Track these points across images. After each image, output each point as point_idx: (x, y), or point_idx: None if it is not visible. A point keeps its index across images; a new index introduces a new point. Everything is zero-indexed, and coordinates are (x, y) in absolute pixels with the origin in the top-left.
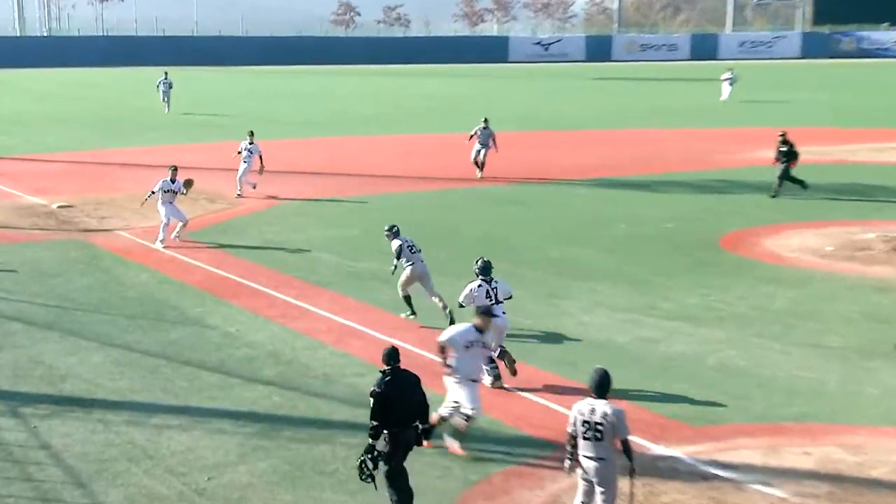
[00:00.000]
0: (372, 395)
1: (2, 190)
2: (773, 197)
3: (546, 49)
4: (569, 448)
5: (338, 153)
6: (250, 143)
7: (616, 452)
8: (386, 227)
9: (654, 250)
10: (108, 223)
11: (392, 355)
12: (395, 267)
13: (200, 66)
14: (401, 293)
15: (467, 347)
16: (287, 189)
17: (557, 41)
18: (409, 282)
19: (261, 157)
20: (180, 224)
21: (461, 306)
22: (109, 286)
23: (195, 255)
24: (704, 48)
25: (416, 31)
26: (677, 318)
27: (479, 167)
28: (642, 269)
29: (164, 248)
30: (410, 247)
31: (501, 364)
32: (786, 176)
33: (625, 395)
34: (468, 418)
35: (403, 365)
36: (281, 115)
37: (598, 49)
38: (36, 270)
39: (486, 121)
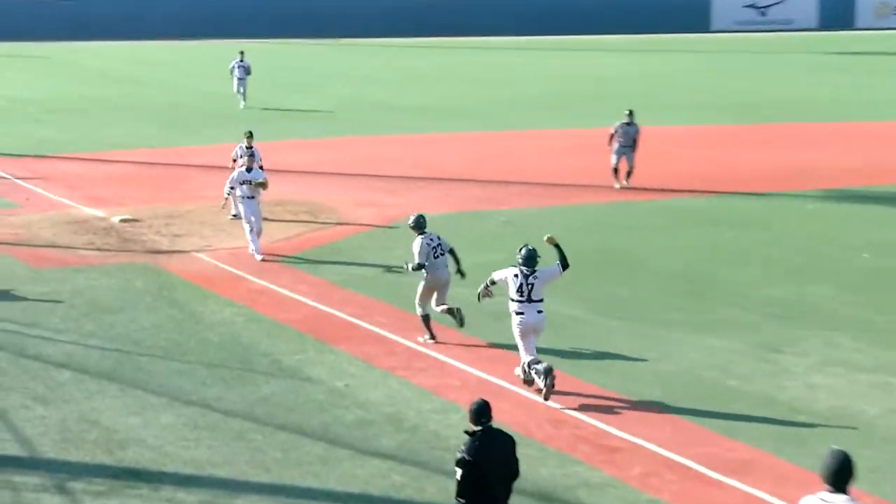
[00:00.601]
0: (459, 463)
1: (49, 198)
2: None
3: (763, 14)
4: None
5: (483, 153)
6: (248, 147)
7: None
8: (411, 219)
9: None
10: (182, 242)
11: (482, 411)
12: (407, 267)
13: (302, 39)
14: (419, 311)
15: None
16: (416, 199)
17: (778, 3)
18: (428, 294)
19: (261, 167)
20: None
21: (492, 283)
22: (184, 325)
23: (294, 286)
24: None
25: None
26: None
27: (616, 175)
28: None
29: (263, 259)
30: (435, 248)
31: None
32: None
33: (874, 488)
34: None
35: (580, 437)
36: (403, 102)
37: (836, 13)
38: (90, 303)
39: (630, 114)
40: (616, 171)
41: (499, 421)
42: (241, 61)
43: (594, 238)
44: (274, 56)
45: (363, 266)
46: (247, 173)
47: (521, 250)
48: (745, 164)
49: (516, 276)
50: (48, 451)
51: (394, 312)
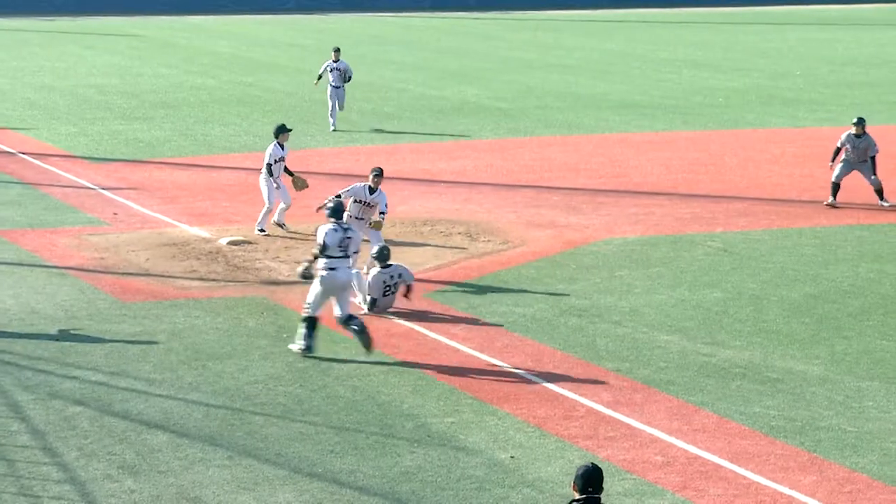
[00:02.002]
0: None
1: (141, 213)
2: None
3: None
4: None
5: (692, 159)
6: (282, 147)
7: None
8: (328, 203)
9: None
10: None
11: (590, 479)
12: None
13: (464, 12)
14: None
15: None
16: (604, 217)
17: None
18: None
19: (289, 172)
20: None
21: (314, 258)
22: (307, 377)
23: (446, 328)
24: None
25: None
26: None
27: (835, 190)
28: None
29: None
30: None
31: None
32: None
33: None
34: None
35: None
36: (587, 93)
37: None
38: (192, 348)
39: (859, 123)
40: (837, 186)
41: None
42: (336, 62)
43: (841, 272)
44: (426, 34)
45: (534, 304)
46: (369, 193)
47: (329, 201)
48: None
49: (335, 230)
50: None
51: (572, 365)
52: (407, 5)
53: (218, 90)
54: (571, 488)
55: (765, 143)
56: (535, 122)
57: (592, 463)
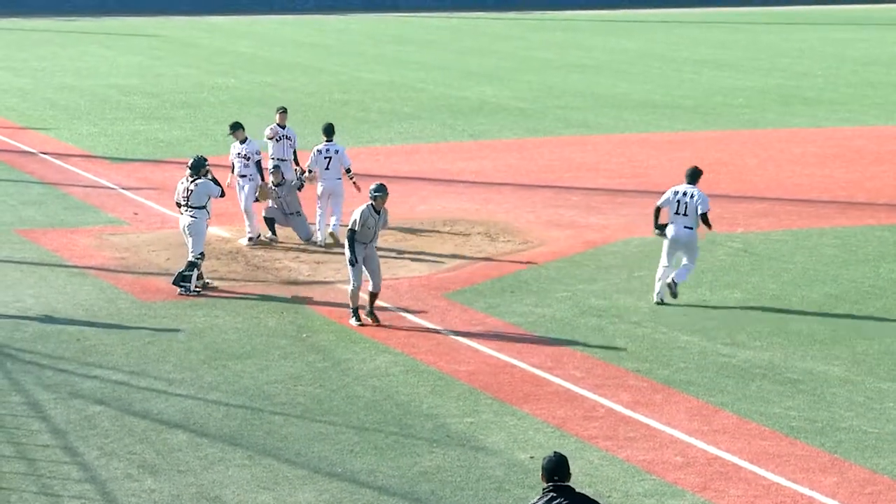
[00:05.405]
0: None
1: (161, 213)
2: None
3: None
4: None
5: (712, 159)
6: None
7: None
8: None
9: None
10: (326, 270)
11: (556, 468)
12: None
13: (484, 12)
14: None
15: None
16: (623, 217)
17: None
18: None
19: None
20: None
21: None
22: (327, 377)
23: (465, 329)
24: None
25: None
26: None
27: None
28: None
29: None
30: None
31: None
32: None
33: None
34: None
35: None
36: (607, 93)
37: None
38: (211, 347)
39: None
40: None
41: None
42: (283, 127)
43: (862, 273)
44: (446, 34)
45: (554, 304)
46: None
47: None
48: None
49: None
50: None
51: (591, 365)
52: (427, 5)
53: (238, 90)
54: (541, 479)
55: (785, 143)
56: (555, 122)
57: (556, 452)
